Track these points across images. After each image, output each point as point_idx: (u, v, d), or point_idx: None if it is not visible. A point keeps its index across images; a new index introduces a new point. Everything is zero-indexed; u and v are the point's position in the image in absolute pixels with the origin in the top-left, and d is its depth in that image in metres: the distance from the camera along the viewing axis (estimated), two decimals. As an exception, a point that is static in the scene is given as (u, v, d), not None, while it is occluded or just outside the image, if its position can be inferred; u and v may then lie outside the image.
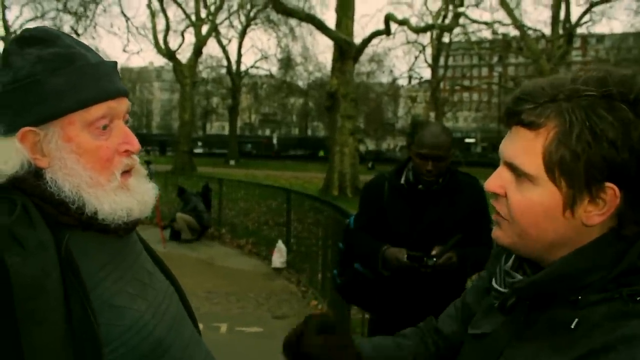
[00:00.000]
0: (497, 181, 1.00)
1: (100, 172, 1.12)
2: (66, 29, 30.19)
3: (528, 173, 0.94)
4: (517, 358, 0.98)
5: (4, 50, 1.14)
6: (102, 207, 1.11)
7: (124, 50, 47.00)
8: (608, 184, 0.90)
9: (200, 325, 1.38)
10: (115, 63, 1.19)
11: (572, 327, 0.91)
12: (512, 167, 0.97)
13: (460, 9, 28.97)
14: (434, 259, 2.62)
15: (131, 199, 1.15)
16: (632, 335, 0.85)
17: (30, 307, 0.95)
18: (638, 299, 0.88)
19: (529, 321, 1.00)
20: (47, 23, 33.65)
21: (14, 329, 0.94)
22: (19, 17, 30.49)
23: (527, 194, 0.95)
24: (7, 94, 1.09)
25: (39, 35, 1.13)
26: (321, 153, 50.14)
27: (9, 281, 0.94)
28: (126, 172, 1.16)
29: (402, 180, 2.88)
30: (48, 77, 1.08)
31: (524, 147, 0.94)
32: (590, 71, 0.93)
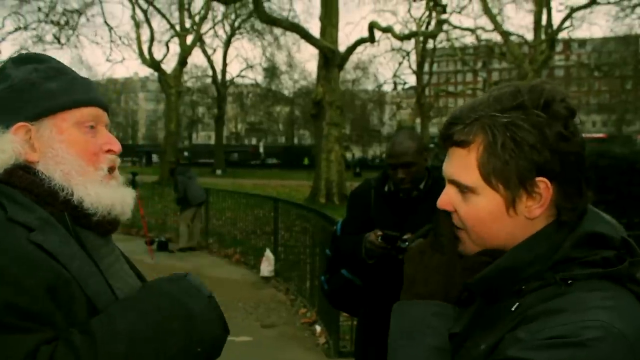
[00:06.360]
0: (445, 199, 1.10)
1: (88, 162, 1.23)
2: (49, 38, 30.04)
3: (469, 185, 1.05)
4: (471, 349, 1.04)
5: (1, 67, 1.27)
6: (88, 195, 1.20)
7: (107, 60, 46.79)
8: (539, 179, 1.00)
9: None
10: (95, 83, 1.38)
11: (512, 309, 1.00)
12: (456, 183, 1.07)
13: (444, 16, 29.22)
14: (407, 243, 2.60)
15: (114, 195, 1.26)
16: (555, 309, 0.95)
17: (75, 266, 1.12)
18: (569, 282, 0.98)
19: (480, 313, 1.09)
20: (29, 34, 33.42)
21: (76, 285, 1.10)
22: (1, 29, 30.15)
23: (472, 204, 1.06)
24: (3, 99, 1.21)
25: (34, 56, 1.29)
26: (305, 161, 49.95)
27: (48, 252, 1.08)
28: (109, 173, 1.27)
29: (386, 189, 2.90)
30: (43, 82, 1.22)
31: (461, 164, 1.06)
32: (503, 88, 1.05)
